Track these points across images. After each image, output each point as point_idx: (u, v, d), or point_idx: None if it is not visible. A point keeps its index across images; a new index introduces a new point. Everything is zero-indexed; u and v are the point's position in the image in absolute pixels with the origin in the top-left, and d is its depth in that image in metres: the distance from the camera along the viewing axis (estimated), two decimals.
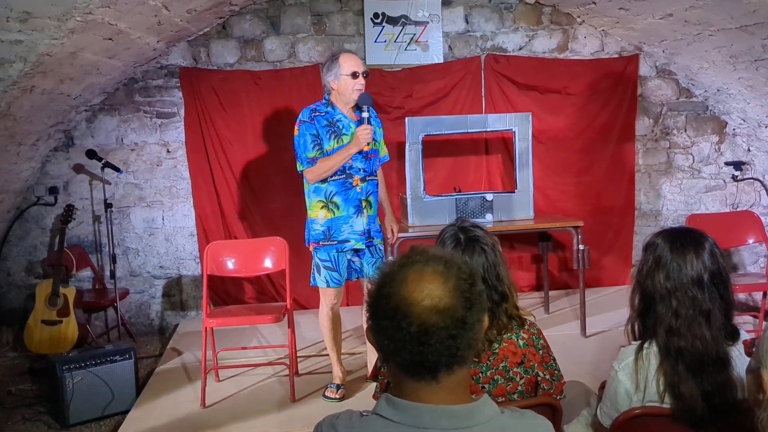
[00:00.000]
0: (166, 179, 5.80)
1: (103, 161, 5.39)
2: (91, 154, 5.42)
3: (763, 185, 6.08)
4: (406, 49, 5.87)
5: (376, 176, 4.16)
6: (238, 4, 5.48)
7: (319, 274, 4.05)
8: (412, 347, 1.31)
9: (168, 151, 5.78)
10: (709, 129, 6.22)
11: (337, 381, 4.17)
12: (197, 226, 5.80)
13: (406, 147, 4.99)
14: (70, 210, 5.25)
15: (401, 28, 5.84)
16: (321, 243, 4.02)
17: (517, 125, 5.11)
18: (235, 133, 5.75)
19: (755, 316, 4.99)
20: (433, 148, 5.62)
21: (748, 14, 4.42)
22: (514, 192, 5.15)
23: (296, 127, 3.99)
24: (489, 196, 5.02)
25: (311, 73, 5.76)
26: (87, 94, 5.24)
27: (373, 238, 4.09)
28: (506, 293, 2.27)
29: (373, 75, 5.75)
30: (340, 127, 4.00)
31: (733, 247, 5.78)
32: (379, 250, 4.16)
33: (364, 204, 4.04)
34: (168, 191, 5.80)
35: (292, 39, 5.81)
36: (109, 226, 5.46)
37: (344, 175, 3.97)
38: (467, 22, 5.96)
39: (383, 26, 5.83)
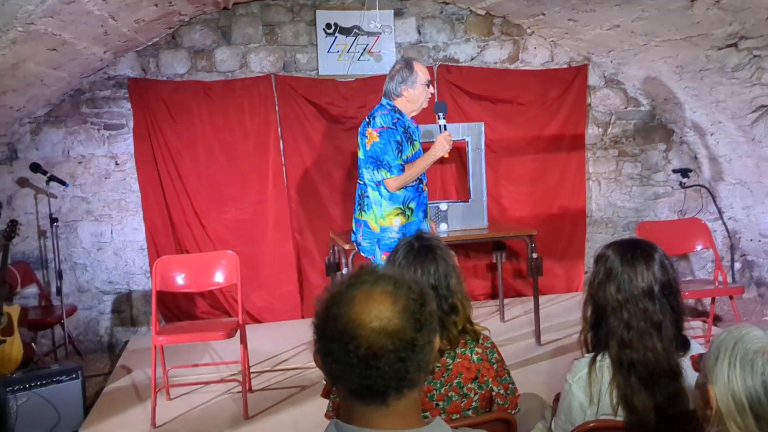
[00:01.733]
0: (115, 192, 5.66)
1: (48, 174, 5.24)
2: (35, 167, 5.26)
3: (710, 192, 6.21)
4: (359, 60, 5.86)
5: None
6: (188, 14, 5.39)
7: None
8: (361, 371, 1.27)
9: (116, 164, 5.65)
10: (656, 137, 6.34)
11: None
12: (147, 239, 5.67)
13: None
14: (13, 225, 5.07)
15: (354, 38, 5.82)
16: None
17: (470, 135, 5.13)
18: (186, 144, 5.65)
19: (705, 321, 5.09)
20: None
21: (693, 25, 4.53)
22: (468, 201, 5.17)
23: (376, 134, 3.85)
24: (443, 206, 5.03)
25: (263, 84, 5.71)
26: (31, 106, 5.10)
27: None
28: (456, 306, 2.25)
29: (326, 85, 5.77)
30: (411, 133, 3.98)
31: (681, 253, 5.89)
32: None
33: (427, 208, 4.10)
34: (117, 204, 5.67)
35: (243, 49, 5.75)
36: (56, 241, 5.31)
37: (417, 181, 3.98)
38: (419, 32, 5.97)
39: (336, 36, 5.81)
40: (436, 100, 4.09)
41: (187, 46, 5.66)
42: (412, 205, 3.96)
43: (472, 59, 6.05)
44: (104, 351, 5.67)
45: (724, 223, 6.15)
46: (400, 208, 3.93)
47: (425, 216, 4.07)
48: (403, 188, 3.90)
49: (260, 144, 5.74)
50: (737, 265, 6.25)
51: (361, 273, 1.36)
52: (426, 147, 4.07)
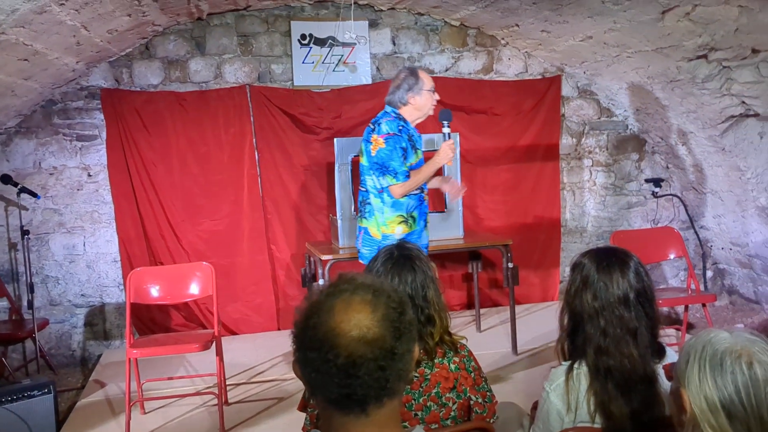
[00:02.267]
0: (88, 204, 5.59)
1: (19, 186, 5.16)
2: (6, 179, 5.18)
3: (681, 201, 6.29)
4: (334, 70, 5.86)
5: None
6: (162, 25, 5.36)
7: None
8: (340, 380, 1.26)
9: (89, 175, 5.59)
10: (629, 147, 6.42)
11: None
12: (121, 251, 5.60)
13: (336, 168, 4.97)
14: None
15: (329, 49, 5.83)
16: None
17: None
18: (160, 155, 5.60)
19: (678, 329, 5.14)
20: None
21: (663, 37, 4.60)
22: (443, 211, 5.18)
23: (382, 140, 3.87)
24: None
25: (238, 94, 5.69)
26: (1, 117, 5.03)
27: None
28: (433, 317, 2.26)
29: (301, 96, 5.76)
30: (414, 142, 4.01)
31: (655, 262, 5.95)
32: None
33: (428, 217, 4.12)
34: (89, 216, 5.60)
35: (218, 60, 5.73)
36: (27, 254, 5.22)
37: (419, 190, 4.00)
38: (394, 43, 6.00)
39: (311, 47, 5.81)
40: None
41: (160, 56, 5.63)
42: (415, 214, 3.99)
43: (446, 70, 6.09)
44: (77, 365, 5.58)
45: (695, 232, 6.23)
46: (403, 216, 3.95)
47: (425, 226, 4.10)
48: (406, 196, 3.92)
49: (235, 155, 5.71)
50: (709, 273, 6.33)
51: (340, 282, 1.35)
52: (428, 156, 4.12)
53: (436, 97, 4.07)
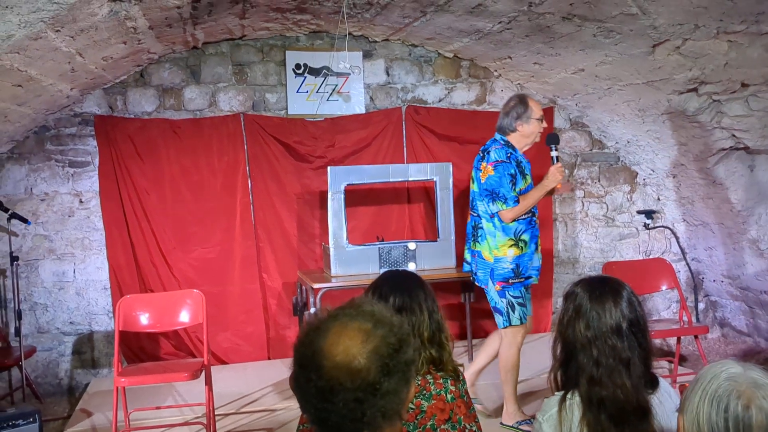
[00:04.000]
0: (79, 230, 5.56)
1: (9, 212, 5.13)
2: None
3: (673, 233, 6.31)
4: (328, 100, 5.90)
5: None
6: (157, 53, 5.39)
7: (514, 312, 4.08)
8: (317, 402, 1.26)
9: (81, 201, 5.57)
10: (621, 179, 6.45)
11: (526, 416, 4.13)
12: (111, 279, 5.56)
13: (329, 196, 4.98)
14: None
15: (323, 79, 5.86)
16: (511, 281, 4.06)
17: (438, 175, 5.18)
18: (153, 182, 5.59)
19: (670, 361, 5.12)
20: (355, 197, 5.62)
21: (654, 70, 4.65)
22: (436, 241, 5.18)
23: (491, 167, 4.04)
24: (412, 245, 5.04)
25: (232, 122, 5.70)
26: None
27: None
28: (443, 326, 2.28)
29: (295, 125, 5.78)
30: (523, 168, 4.14)
31: (647, 293, 5.94)
32: None
33: (539, 240, 4.20)
34: (80, 243, 5.57)
35: (212, 88, 5.75)
36: (15, 281, 5.17)
37: (529, 213, 4.10)
38: (388, 74, 6.04)
39: (305, 77, 5.85)
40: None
41: (155, 84, 5.65)
42: (525, 237, 4.09)
43: (440, 101, 6.13)
44: (64, 394, 5.50)
45: (687, 264, 6.24)
46: (513, 240, 4.05)
47: (536, 248, 4.19)
48: (516, 220, 4.03)
49: (228, 183, 5.71)
50: (701, 305, 6.33)
51: (348, 305, 1.36)
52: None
53: (544, 125, 4.22)
